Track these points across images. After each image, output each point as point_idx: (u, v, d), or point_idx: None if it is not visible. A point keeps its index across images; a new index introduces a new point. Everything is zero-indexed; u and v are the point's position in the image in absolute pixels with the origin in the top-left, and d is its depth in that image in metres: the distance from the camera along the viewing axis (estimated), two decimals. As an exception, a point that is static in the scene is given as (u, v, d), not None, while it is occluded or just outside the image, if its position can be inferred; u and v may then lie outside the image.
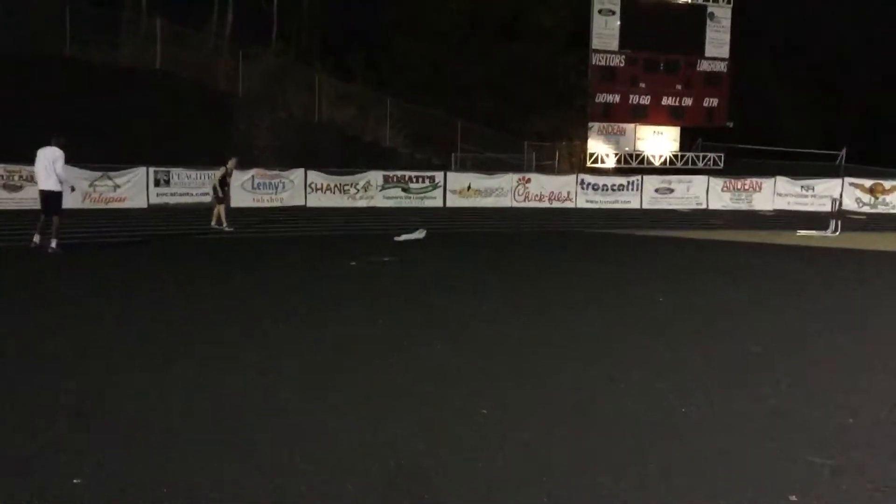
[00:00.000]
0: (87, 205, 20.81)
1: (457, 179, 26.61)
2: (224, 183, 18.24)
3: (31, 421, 5.13)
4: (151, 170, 22.07)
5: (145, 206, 21.78)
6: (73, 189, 14.00)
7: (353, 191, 24.94)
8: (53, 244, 13.35)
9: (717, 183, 28.19)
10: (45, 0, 25.31)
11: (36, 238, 13.48)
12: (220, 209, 18.08)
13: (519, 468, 4.52)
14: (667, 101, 34.86)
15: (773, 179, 28.08)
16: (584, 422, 5.35)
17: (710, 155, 35.65)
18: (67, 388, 5.83)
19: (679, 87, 34.82)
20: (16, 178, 20.03)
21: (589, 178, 27.95)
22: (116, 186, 21.56)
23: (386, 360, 6.85)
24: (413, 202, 25.45)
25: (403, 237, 16.90)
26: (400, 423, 5.24)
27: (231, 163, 18.38)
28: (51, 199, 13.53)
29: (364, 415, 5.38)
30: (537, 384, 6.21)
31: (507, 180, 26.88)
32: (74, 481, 4.22)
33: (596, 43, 33.75)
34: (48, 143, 13.61)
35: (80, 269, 12.33)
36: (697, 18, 34.70)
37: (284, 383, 6.09)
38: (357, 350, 7.18)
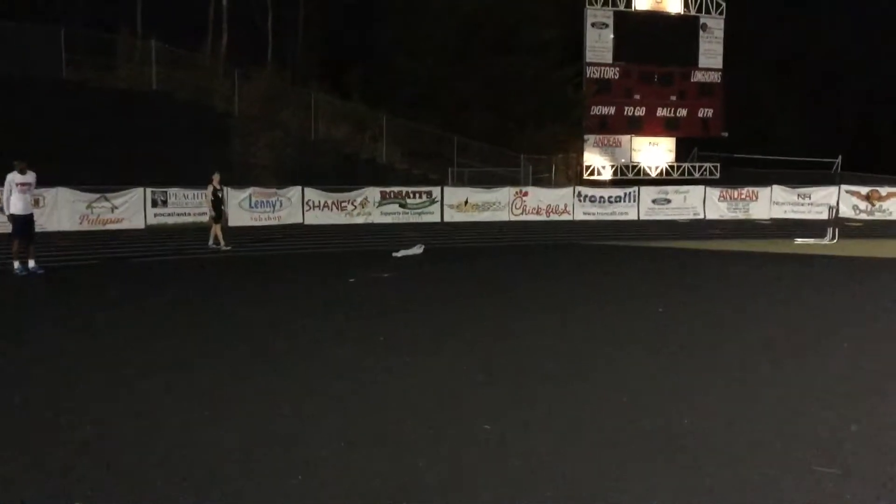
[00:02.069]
0: (85, 226, 20.83)
1: (454, 194, 26.66)
2: (217, 200, 18.21)
3: (30, 444, 5.10)
4: (149, 190, 22.09)
5: (143, 226, 21.78)
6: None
7: (350, 207, 24.97)
8: (32, 264, 13.52)
9: (713, 192, 28.24)
10: (40, 23, 25.42)
11: (31, 263, 13.51)
12: (217, 228, 18.09)
13: (523, 483, 4.50)
14: (662, 112, 35.05)
15: (769, 188, 28.14)
16: (588, 434, 5.33)
17: (707, 165, 35.78)
18: (65, 409, 5.81)
19: (674, 98, 35.03)
20: (13, 201, 20.05)
21: (586, 191, 28.00)
22: (114, 208, 21.58)
23: (387, 376, 6.83)
24: (411, 217, 25.47)
25: (402, 253, 16.90)
26: (402, 439, 5.22)
27: (215, 178, 18.32)
28: (28, 223, 13.51)
29: (366, 432, 5.36)
30: (539, 397, 6.19)
31: (505, 194, 26.92)
32: (87, 492, 4.20)
33: (590, 56, 33.97)
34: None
35: (82, 288, 12.32)
36: (690, 30, 34.95)
37: (284, 401, 6.06)
38: (358, 366, 7.16)
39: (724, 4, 34.78)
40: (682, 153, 36.60)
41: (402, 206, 25.66)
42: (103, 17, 29.56)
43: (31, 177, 13.56)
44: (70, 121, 23.14)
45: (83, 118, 23.46)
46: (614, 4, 33.69)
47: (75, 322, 9.58)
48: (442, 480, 4.54)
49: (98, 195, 21.33)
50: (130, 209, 21.84)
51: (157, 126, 24.66)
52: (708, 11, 34.93)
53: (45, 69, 24.75)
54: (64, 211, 20.76)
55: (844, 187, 28.32)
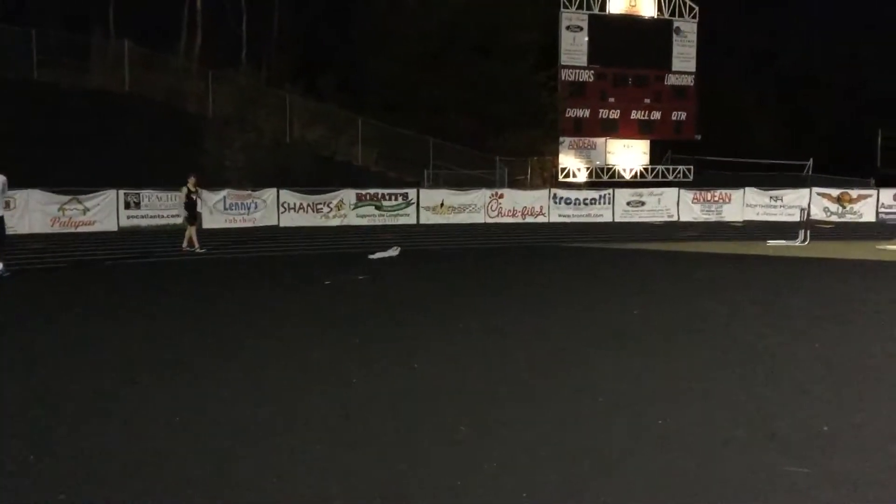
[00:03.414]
0: (56, 229, 20.59)
1: (430, 196, 26.66)
2: (191, 202, 18.03)
3: (9, 441, 5.06)
4: (121, 192, 21.89)
5: (115, 229, 21.57)
6: None
7: (326, 209, 24.91)
8: (0, 266, 13.29)
9: (687, 195, 28.49)
10: (11, 24, 25.10)
11: None
12: (192, 231, 17.94)
13: (500, 485, 4.52)
14: (636, 114, 35.26)
15: (742, 190, 28.44)
16: (564, 436, 5.35)
17: (680, 167, 36.05)
18: (39, 406, 5.76)
19: (648, 100, 35.25)
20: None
21: (561, 193, 28.13)
22: (86, 210, 21.36)
23: (363, 379, 6.82)
24: (386, 220, 25.45)
25: (377, 255, 16.88)
26: (379, 443, 5.21)
27: (190, 181, 18.13)
28: None
29: (343, 435, 5.36)
30: (516, 400, 6.21)
31: (480, 196, 26.98)
32: (60, 496, 4.17)
33: (565, 59, 34.10)
34: None
35: (54, 292, 12.18)
36: (664, 33, 35.20)
37: (260, 404, 6.04)
38: (334, 370, 7.15)
39: (696, 8, 35.09)
40: (656, 156, 36.86)
41: (377, 208, 25.64)
42: (75, 18, 29.26)
43: (0, 179, 13.32)
44: (42, 122, 22.88)
45: (55, 119, 23.20)
46: (589, 8, 33.87)
47: (39, 325, 9.47)
48: (418, 482, 4.55)
49: (70, 197, 21.11)
50: (103, 211, 21.63)
51: (129, 127, 24.45)
52: (681, 15, 35.20)
53: (16, 70, 24.45)
54: (35, 213, 20.52)
55: (816, 190, 28.70)
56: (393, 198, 25.97)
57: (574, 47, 34.08)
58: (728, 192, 28.49)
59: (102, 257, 16.77)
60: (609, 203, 27.90)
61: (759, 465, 4.83)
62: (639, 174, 35.30)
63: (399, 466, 4.78)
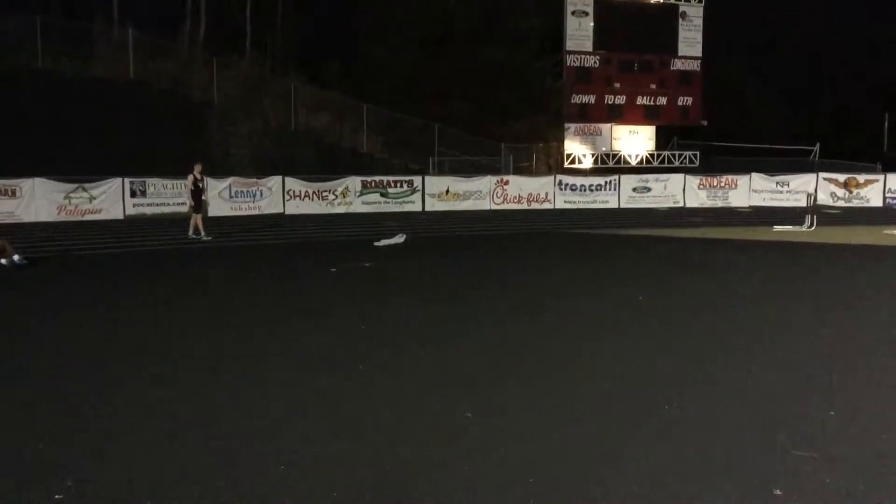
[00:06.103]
0: (63, 217, 20.61)
1: (435, 183, 26.61)
2: (197, 190, 18.02)
3: (6, 436, 5.07)
4: (127, 180, 21.90)
5: (121, 217, 21.60)
6: None
7: (331, 197, 24.88)
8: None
9: (693, 181, 28.38)
10: (15, 13, 25.07)
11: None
12: (197, 218, 17.94)
13: (504, 471, 4.52)
14: (642, 100, 35.11)
15: (748, 176, 28.32)
16: (569, 422, 5.35)
17: (686, 153, 35.90)
18: (47, 399, 5.77)
19: (653, 86, 35.08)
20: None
21: (567, 179, 28.05)
22: (92, 198, 21.38)
23: (368, 365, 6.82)
24: (392, 207, 25.42)
25: (383, 242, 16.87)
26: (384, 428, 5.22)
27: (196, 168, 18.11)
28: None
29: (348, 421, 5.36)
30: (521, 386, 6.21)
31: (486, 183, 26.92)
32: (56, 496, 4.17)
33: (570, 44, 33.93)
34: None
35: (56, 282, 12.21)
36: (670, 18, 34.99)
37: (267, 391, 6.05)
38: (339, 356, 7.15)
39: (703, -8, 34.89)
40: (661, 141, 36.71)
41: (383, 195, 25.60)
42: (79, 5, 29.21)
43: None
44: (46, 111, 22.88)
45: (59, 108, 23.20)
46: (594, -8, 33.69)
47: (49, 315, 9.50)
48: (423, 468, 4.55)
49: (76, 185, 21.12)
50: (109, 199, 21.65)
51: (134, 115, 24.43)
52: (687, 0, 34.99)
53: (20, 58, 24.43)
54: (42, 202, 20.54)
55: (822, 175, 28.56)
56: (398, 185, 25.94)
57: (579, 32, 33.91)
58: (734, 177, 28.37)
59: (109, 245, 16.79)
60: (615, 189, 27.81)
61: (767, 449, 4.83)
62: (644, 160, 35.19)
63: (404, 452, 4.79)
